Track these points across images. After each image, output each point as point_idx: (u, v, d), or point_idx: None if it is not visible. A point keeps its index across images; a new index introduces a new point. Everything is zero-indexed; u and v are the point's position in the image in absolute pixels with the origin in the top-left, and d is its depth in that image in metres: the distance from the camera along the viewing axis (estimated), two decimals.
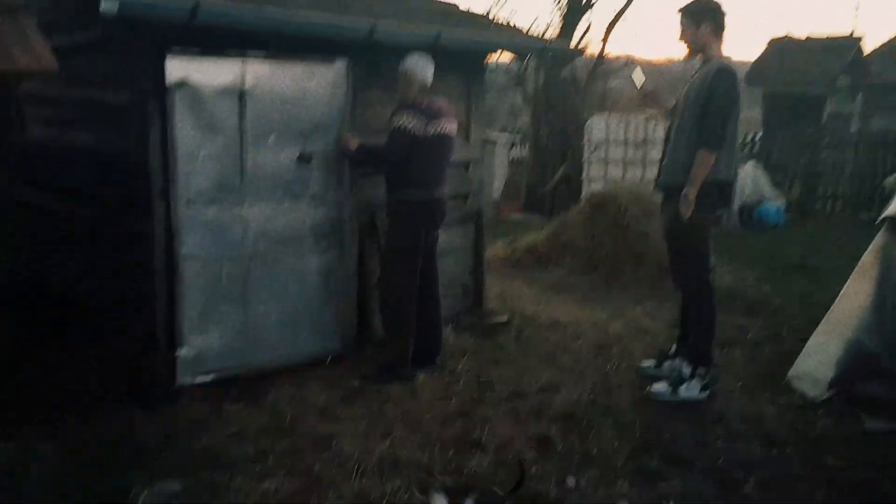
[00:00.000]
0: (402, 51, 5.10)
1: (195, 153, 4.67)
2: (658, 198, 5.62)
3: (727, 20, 4.91)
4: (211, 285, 4.82)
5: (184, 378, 4.67)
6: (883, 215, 4.98)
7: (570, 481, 3.84)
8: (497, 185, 14.00)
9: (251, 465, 3.92)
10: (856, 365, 4.85)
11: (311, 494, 3.66)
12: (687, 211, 4.76)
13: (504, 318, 6.54)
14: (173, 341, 4.65)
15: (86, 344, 5.19)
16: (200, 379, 4.77)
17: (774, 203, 12.15)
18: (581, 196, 11.60)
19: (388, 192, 5.14)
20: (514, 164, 15.28)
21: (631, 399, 4.93)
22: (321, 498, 3.63)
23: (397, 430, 4.34)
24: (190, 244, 4.66)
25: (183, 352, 4.67)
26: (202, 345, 4.77)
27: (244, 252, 4.94)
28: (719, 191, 4.87)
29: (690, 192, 4.74)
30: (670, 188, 4.97)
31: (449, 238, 6.25)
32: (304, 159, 5.10)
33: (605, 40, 14.95)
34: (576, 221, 8.78)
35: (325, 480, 3.79)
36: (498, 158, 14.25)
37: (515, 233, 10.44)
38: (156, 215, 4.52)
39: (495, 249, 9.29)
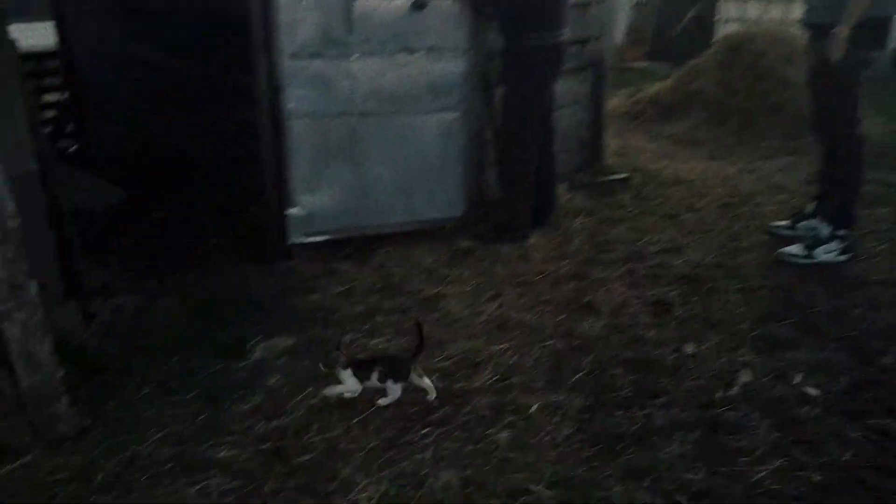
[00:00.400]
0: None
1: (297, 1, 4.43)
2: (802, 39, 4.98)
3: None
4: (319, 144, 4.68)
5: (295, 237, 4.69)
6: None
7: (689, 348, 3.65)
8: (619, 29, 13.02)
9: (360, 323, 3.94)
10: None
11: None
12: (838, 52, 4.18)
13: (623, 175, 6.20)
14: (284, 200, 4.63)
15: (204, 201, 5.30)
16: (312, 239, 4.75)
17: None
18: (714, 39, 10.64)
19: (509, 37, 4.76)
20: (638, 5, 14.12)
21: (760, 262, 4.59)
22: (428, 357, 3.58)
23: (506, 292, 4.22)
24: (295, 100, 4.52)
25: (293, 210, 4.64)
26: (312, 204, 4.71)
27: (353, 110, 4.70)
28: (876, 29, 4.24)
29: (843, 30, 4.14)
30: (819, 26, 4.36)
31: (565, 88, 5.84)
32: (418, 6, 4.72)
33: None
34: (706, 68, 8.07)
35: (433, 340, 3.75)
36: None
37: (638, 82, 9.79)
38: (258, 69, 4.38)
39: (616, 101, 8.76)
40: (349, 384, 3.23)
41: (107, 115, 6.64)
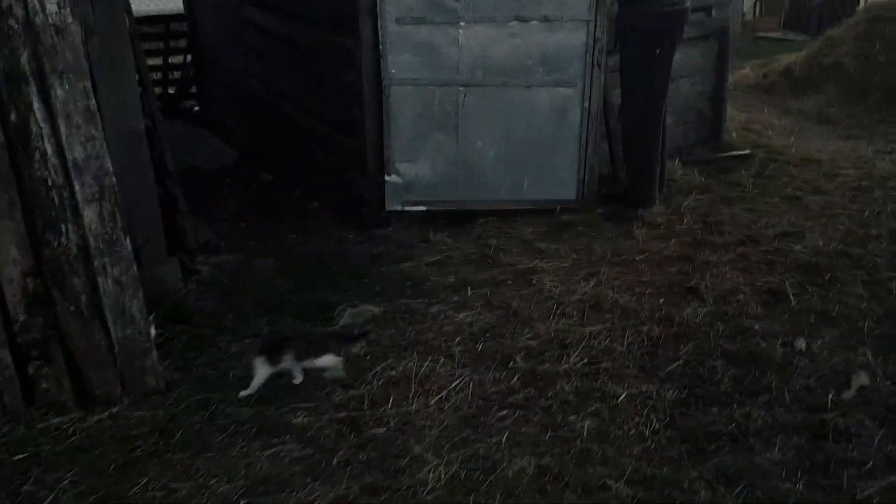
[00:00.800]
0: None
1: None
2: None
3: None
4: (421, 113, 4.49)
5: (393, 204, 4.59)
6: None
7: (801, 343, 3.30)
8: None
9: (450, 294, 3.82)
10: None
11: (506, 330, 3.47)
12: None
13: (745, 152, 5.74)
14: (383, 166, 4.54)
15: (308, 165, 5.31)
16: (410, 208, 4.63)
17: None
18: (857, 8, 9.72)
19: (634, 6, 4.43)
20: None
21: (891, 252, 4.12)
22: (516, 335, 3.43)
23: (605, 271, 3.98)
24: (399, 66, 4.38)
25: (392, 178, 4.54)
26: (412, 173, 4.58)
27: (458, 79, 4.44)
28: None
29: None
30: None
31: (685, 57, 5.45)
32: None
33: None
34: (846, 39, 7.37)
35: (522, 317, 3.59)
36: None
37: (771, 53, 9.11)
38: (363, 33, 4.28)
39: (744, 72, 8.18)
40: (260, 371, 3.07)
41: (223, 78, 6.77)
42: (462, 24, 4.36)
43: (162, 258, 3.95)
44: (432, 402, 2.98)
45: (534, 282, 3.90)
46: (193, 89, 7.73)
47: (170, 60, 7.80)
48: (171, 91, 7.85)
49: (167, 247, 4.06)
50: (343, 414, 2.93)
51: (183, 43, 7.65)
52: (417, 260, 4.19)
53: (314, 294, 3.89)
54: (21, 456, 2.70)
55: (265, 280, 4.11)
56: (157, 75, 7.99)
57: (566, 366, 3.20)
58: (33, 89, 2.75)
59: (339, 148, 4.86)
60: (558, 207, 4.63)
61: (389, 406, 2.96)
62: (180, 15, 7.56)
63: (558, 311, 3.62)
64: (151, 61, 8.01)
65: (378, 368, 3.21)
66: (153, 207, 3.88)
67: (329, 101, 4.88)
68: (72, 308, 2.95)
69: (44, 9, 2.74)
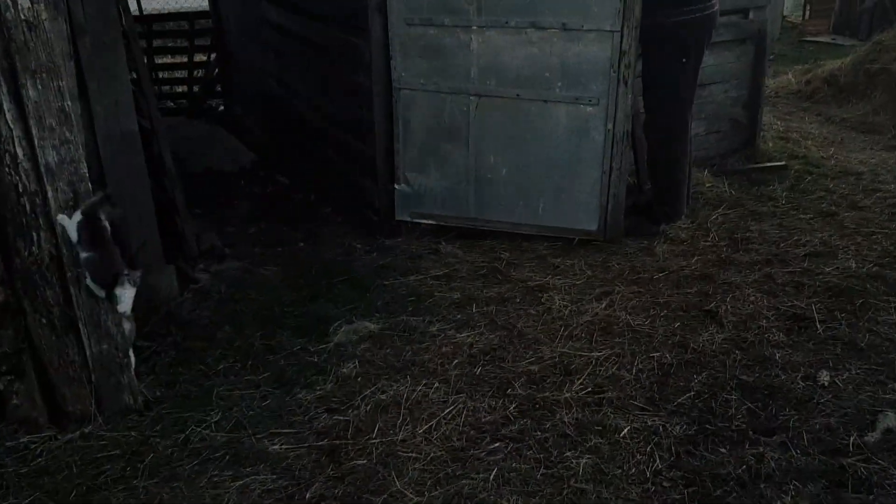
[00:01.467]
0: None
1: None
2: None
3: None
4: (431, 121, 4.24)
5: (402, 215, 4.39)
6: None
7: (825, 376, 3.02)
8: None
9: (453, 312, 3.61)
10: None
11: (508, 353, 3.25)
12: None
13: (779, 163, 5.41)
14: (393, 173, 4.34)
15: (321, 169, 5.14)
16: (419, 220, 4.40)
17: None
18: None
19: (657, 12, 4.00)
20: None
21: None
22: (517, 358, 3.21)
23: (619, 290, 3.73)
24: (407, 70, 4.17)
25: (401, 187, 4.34)
26: (421, 184, 4.34)
27: (469, 87, 4.12)
28: None
29: None
30: None
31: (718, 62, 5.18)
32: None
33: None
34: (894, 45, 6.95)
35: (527, 338, 3.37)
36: None
37: (816, 58, 8.69)
38: (372, 32, 4.09)
39: (786, 78, 7.81)
40: None
41: (244, 77, 6.65)
42: (474, 27, 4.03)
43: (157, 265, 3.81)
44: (420, 432, 2.78)
45: (543, 300, 3.67)
46: (218, 88, 7.63)
47: (195, 58, 7.70)
48: (195, 89, 7.75)
49: (166, 253, 3.92)
50: (324, 442, 2.75)
51: (208, 40, 7.56)
52: (424, 273, 4.00)
53: (315, 307, 3.73)
54: None
55: (267, 290, 3.96)
56: (182, 73, 7.94)
57: (568, 394, 2.97)
58: (3, 89, 2.62)
59: (351, 152, 4.69)
60: (576, 238, 4.21)
61: (374, 434, 2.77)
62: (205, 11, 7.47)
63: (565, 333, 3.39)
64: (176, 59, 7.99)
65: (368, 391, 3.02)
66: (148, 212, 3.74)
67: (339, 102, 4.70)
68: (44, 321, 2.82)
69: (15, 4, 2.60)
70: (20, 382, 2.85)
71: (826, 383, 2.98)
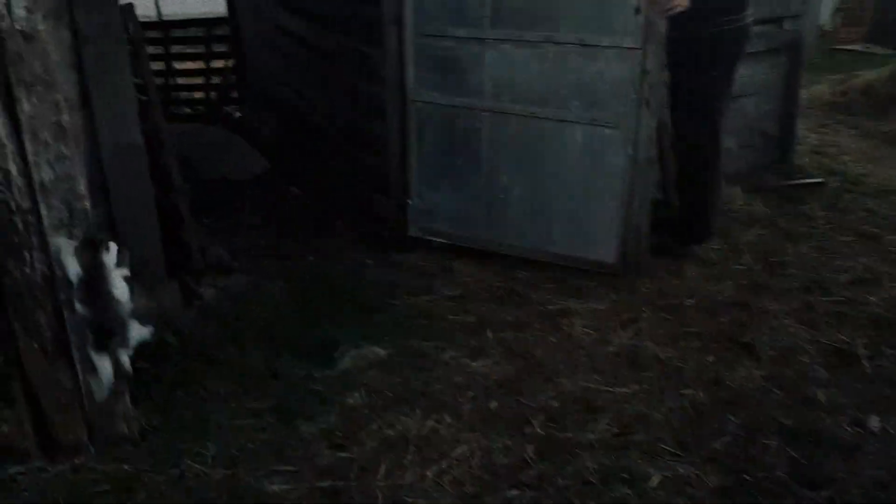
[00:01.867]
0: None
1: None
2: None
3: None
4: (444, 135, 4.01)
5: (414, 231, 4.18)
6: None
7: (874, 422, 2.78)
8: (829, 5, 11.28)
9: (467, 337, 3.39)
10: None
11: (525, 385, 3.03)
12: None
13: (816, 180, 5.15)
14: (406, 188, 4.14)
15: (334, 180, 4.97)
16: (431, 238, 4.19)
17: None
18: None
19: (689, 24, 3.66)
20: None
21: None
22: (536, 391, 2.98)
23: (646, 317, 3.49)
24: (422, 83, 3.94)
25: (413, 202, 4.13)
26: (434, 200, 4.12)
27: (482, 103, 3.86)
28: None
29: None
30: None
31: (751, 73, 4.91)
32: None
33: None
34: None
35: (546, 369, 3.14)
36: None
37: (851, 67, 8.38)
38: (387, 43, 3.90)
39: (819, 89, 7.50)
40: None
41: (260, 84, 6.49)
42: (488, 41, 3.79)
43: (159, 280, 3.64)
44: (429, 474, 2.56)
45: (563, 326, 3.45)
46: (235, 94, 7.50)
47: (212, 65, 7.57)
48: (212, 95, 7.62)
49: (171, 267, 3.75)
50: (326, 483, 2.55)
51: (226, 47, 7.42)
52: (436, 293, 3.79)
53: (320, 328, 3.53)
54: None
55: (272, 308, 3.76)
56: (200, 80, 7.81)
57: (591, 435, 2.75)
58: None
59: (364, 164, 4.50)
60: (590, 270, 3.89)
61: (380, 476, 2.56)
62: (223, 18, 7.34)
63: (588, 365, 3.17)
64: (193, 65, 7.87)
65: (374, 426, 2.82)
66: (151, 225, 3.56)
67: (353, 113, 4.52)
68: (35, 345, 2.64)
69: (10, 14, 2.43)
70: (9, 409, 2.68)
71: (876, 430, 2.73)
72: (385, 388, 3.03)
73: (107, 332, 2.66)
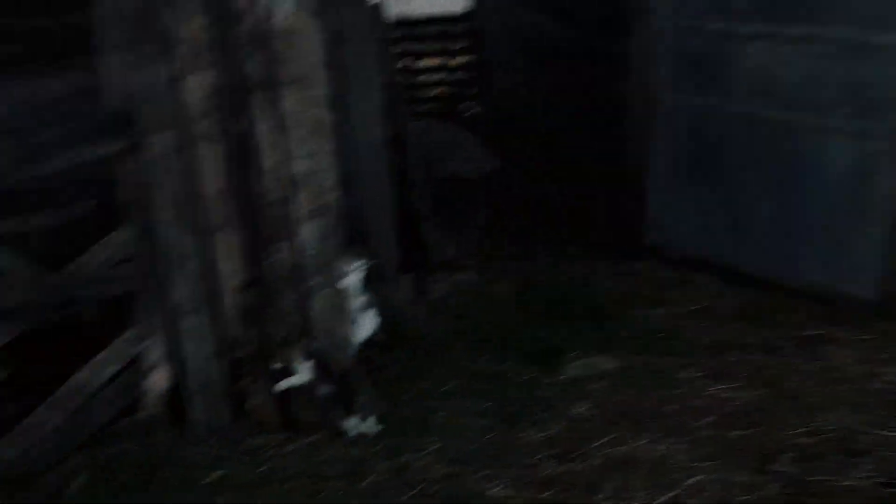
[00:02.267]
0: None
1: None
2: None
3: None
4: (690, 139, 3.82)
5: (652, 238, 4.03)
6: None
7: None
8: None
9: (707, 357, 3.21)
10: None
11: (773, 416, 2.78)
12: None
13: None
14: (645, 192, 4.00)
15: (569, 179, 4.92)
16: (667, 248, 4.00)
17: None
18: None
19: None
20: None
21: None
22: (786, 425, 2.73)
23: None
24: (669, 81, 3.79)
25: (655, 209, 3.97)
26: (673, 209, 3.93)
27: (731, 107, 3.62)
28: None
29: None
30: None
31: None
32: None
33: None
34: None
35: (799, 401, 2.87)
36: None
37: None
38: (635, 40, 3.79)
39: None
40: None
41: (499, 82, 6.59)
42: (745, 36, 3.51)
43: (393, 275, 3.81)
44: (659, 502, 2.42)
45: (820, 354, 3.13)
46: (473, 91, 7.68)
47: (452, 61, 7.82)
48: (450, 92, 7.88)
49: (405, 262, 3.92)
50: (548, 494, 2.50)
51: (466, 44, 7.63)
52: (674, 306, 3.62)
53: (549, 333, 3.51)
54: (209, 479, 2.63)
55: (500, 309, 3.81)
56: (439, 76, 8.10)
57: (850, 481, 2.45)
58: (261, 98, 2.68)
59: (604, 165, 4.40)
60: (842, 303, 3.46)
61: (605, 496, 2.47)
62: (465, 15, 7.54)
63: (850, 401, 2.84)
64: (431, 62, 8.18)
65: (601, 441, 2.72)
66: (389, 220, 3.74)
67: (596, 111, 4.43)
68: (280, 329, 2.86)
69: (274, 14, 2.65)
70: (257, 385, 2.92)
71: None
72: (614, 403, 2.93)
73: None
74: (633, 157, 3.94)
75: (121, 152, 2.75)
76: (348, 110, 3.43)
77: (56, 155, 2.69)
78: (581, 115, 4.55)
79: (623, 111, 3.92)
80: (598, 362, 3.20)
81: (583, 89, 4.46)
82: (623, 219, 4.08)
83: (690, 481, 2.48)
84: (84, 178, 2.98)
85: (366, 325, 3.07)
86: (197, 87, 2.61)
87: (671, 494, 2.44)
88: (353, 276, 2.97)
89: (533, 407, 2.96)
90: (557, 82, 4.92)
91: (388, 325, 3.61)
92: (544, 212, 4.99)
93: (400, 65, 7.77)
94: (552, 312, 3.69)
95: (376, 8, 3.62)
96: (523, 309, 3.77)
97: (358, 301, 3.02)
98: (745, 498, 2.42)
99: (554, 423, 2.85)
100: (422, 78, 8.46)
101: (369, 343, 3.33)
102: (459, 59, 7.75)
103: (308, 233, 2.78)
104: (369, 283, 3.26)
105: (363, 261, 3.01)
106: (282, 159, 2.74)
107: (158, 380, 2.87)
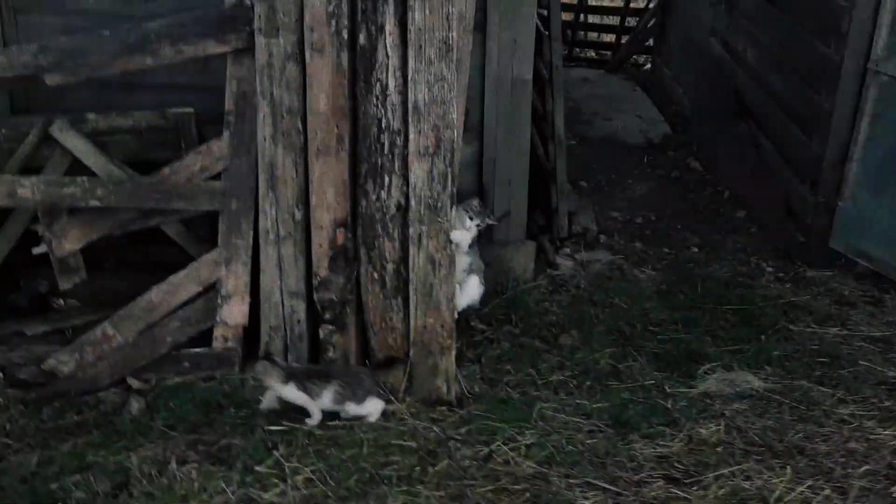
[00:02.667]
0: None
1: None
2: None
3: None
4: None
5: (838, 243, 3.81)
6: None
7: None
8: None
9: (880, 394, 3.05)
10: None
11: None
12: None
13: None
14: (840, 186, 3.77)
15: (748, 159, 4.72)
16: (857, 258, 3.79)
17: None
18: None
19: None
20: None
21: None
22: None
23: None
24: (892, 49, 3.53)
25: (845, 204, 3.74)
26: (871, 211, 3.71)
27: None
28: None
29: None
30: None
31: None
32: None
33: None
34: None
35: None
36: None
37: None
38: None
39: None
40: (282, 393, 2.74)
41: (682, 34, 6.38)
42: None
43: (517, 238, 3.79)
44: None
45: None
46: (650, 42, 7.48)
47: (631, 4, 7.65)
48: (623, 40, 7.71)
49: (530, 227, 3.90)
50: None
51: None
52: (852, 328, 3.44)
53: (688, 336, 3.42)
54: (274, 427, 2.73)
55: (634, 298, 3.73)
56: (614, 20, 7.94)
57: None
58: (390, 9, 2.69)
59: (789, 145, 4.19)
60: None
61: None
62: None
63: None
64: (609, 2, 8.02)
65: (727, 470, 2.61)
66: (522, 175, 3.71)
67: (792, 78, 4.20)
68: (375, 276, 2.91)
69: None
70: (340, 335, 3.00)
71: None
72: (751, 428, 2.81)
73: None
74: (836, 138, 3.70)
75: (231, 54, 2.86)
76: (491, 38, 3.42)
77: (164, 47, 2.85)
78: (782, 83, 4.30)
79: (833, 81, 3.68)
80: (742, 379, 3.09)
81: (789, 51, 4.23)
82: (809, 214, 3.87)
83: None
84: (184, 83, 3.15)
85: (470, 290, 3.05)
86: None
87: None
88: (465, 232, 2.94)
89: (651, 417, 2.89)
90: (758, 40, 4.66)
91: (501, 296, 3.63)
92: (714, 192, 4.84)
93: (572, 1, 7.66)
94: (698, 312, 3.60)
95: None
96: (662, 303, 3.68)
97: (466, 262, 3.01)
98: None
99: (673, 440, 2.76)
100: (596, 20, 8.31)
101: (475, 312, 3.35)
102: (643, 3, 7.57)
103: (420, 172, 2.79)
104: (484, 243, 3.26)
105: (480, 217, 2.98)
106: (402, 82, 2.75)
107: (235, 310, 2.99)
